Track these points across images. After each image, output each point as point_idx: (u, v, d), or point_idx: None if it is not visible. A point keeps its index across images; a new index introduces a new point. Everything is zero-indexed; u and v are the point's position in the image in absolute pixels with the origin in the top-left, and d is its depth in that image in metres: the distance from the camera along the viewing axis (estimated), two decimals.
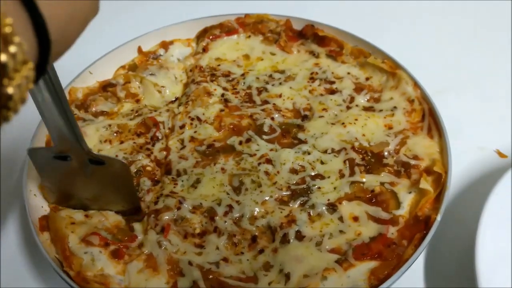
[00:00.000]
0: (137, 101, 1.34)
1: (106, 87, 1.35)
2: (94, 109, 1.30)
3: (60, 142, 0.95)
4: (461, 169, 1.24)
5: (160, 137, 1.23)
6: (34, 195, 1.12)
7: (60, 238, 1.03)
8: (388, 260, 0.97)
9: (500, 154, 1.30)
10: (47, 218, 1.09)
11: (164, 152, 1.20)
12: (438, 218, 0.99)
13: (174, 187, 1.12)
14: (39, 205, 1.11)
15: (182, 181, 1.13)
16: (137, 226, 1.08)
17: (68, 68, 1.38)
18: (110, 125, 1.24)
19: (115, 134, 1.23)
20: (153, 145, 1.22)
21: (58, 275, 0.96)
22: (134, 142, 1.22)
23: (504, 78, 1.49)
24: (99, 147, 1.21)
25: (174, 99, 1.35)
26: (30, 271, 1.13)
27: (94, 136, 1.22)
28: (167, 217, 1.06)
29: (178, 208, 1.07)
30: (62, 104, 0.88)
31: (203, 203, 1.08)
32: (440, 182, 1.07)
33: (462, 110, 1.38)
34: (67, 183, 1.07)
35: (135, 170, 1.16)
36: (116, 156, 1.18)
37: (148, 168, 1.17)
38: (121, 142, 1.22)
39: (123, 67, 1.43)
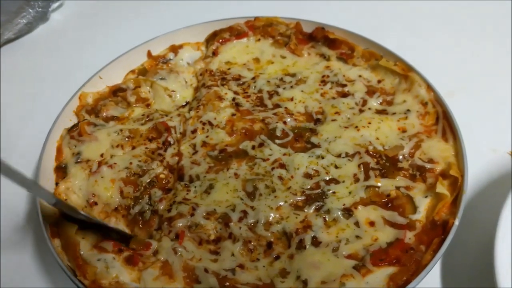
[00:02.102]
0: (148, 105, 1.33)
1: (116, 91, 1.34)
2: (104, 114, 1.29)
3: None
4: (475, 171, 1.22)
5: (172, 142, 1.22)
6: None
7: (71, 245, 1.02)
8: (406, 266, 0.96)
9: None
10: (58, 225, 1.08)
11: (176, 158, 1.19)
12: (456, 222, 0.98)
13: (187, 193, 1.11)
14: (52, 212, 1.10)
15: (195, 187, 1.12)
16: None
17: (78, 73, 1.38)
18: (121, 130, 1.23)
19: (126, 139, 1.22)
20: (165, 150, 1.21)
21: (73, 283, 0.95)
22: (146, 147, 1.21)
23: None
24: (111, 152, 1.20)
25: (184, 103, 1.35)
26: (42, 277, 1.12)
27: (106, 141, 1.21)
28: (180, 224, 1.05)
29: (192, 215, 1.06)
30: None
31: (216, 209, 1.07)
32: (457, 185, 1.06)
33: (473, 111, 1.37)
34: None
35: (148, 180, 1.15)
36: (130, 164, 1.17)
37: (162, 176, 1.16)
38: (133, 148, 1.21)
39: (132, 71, 1.42)
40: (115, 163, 1.17)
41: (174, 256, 1.00)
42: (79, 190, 1.13)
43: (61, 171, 1.19)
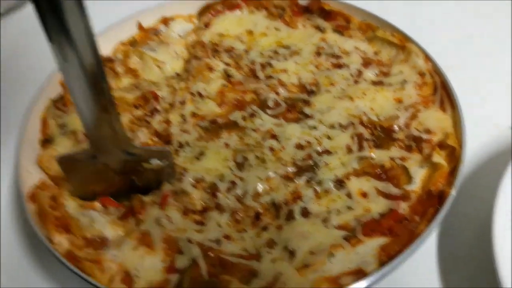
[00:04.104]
0: (136, 76, 1.29)
1: (104, 62, 1.30)
2: None
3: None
4: (475, 145, 1.18)
5: (160, 110, 1.18)
6: (29, 171, 1.08)
7: (43, 216, 0.99)
8: (399, 236, 0.91)
9: None
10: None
11: (164, 124, 1.15)
12: (453, 192, 0.94)
13: (176, 158, 1.08)
14: (33, 182, 1.07)
15: (185, 152, 1.09)
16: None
17: None
18: None
19: None
20: (152, 117, 1.17)
21: (50, 252, 0.92)
22: (132, 115, 1.17)
23: None
24: None
25: (174, 75, 1.30)
26: (26, 254, 1.08)
27: None
28: (166, 188, 1.01)
29: (179, 180, 1.02)
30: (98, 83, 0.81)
31: (205, 176, 1.03)
32: (454, 156, 1.01)
33: (476, 85, 1.31)
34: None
35: None
36: None
37: (150, 142, 1.12)
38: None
39: (122, 43, 1.38)
40: None
41: (156, 227, 0.96)
42: None
43: (48, 143, 1.15)
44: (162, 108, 1.19)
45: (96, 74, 0.80)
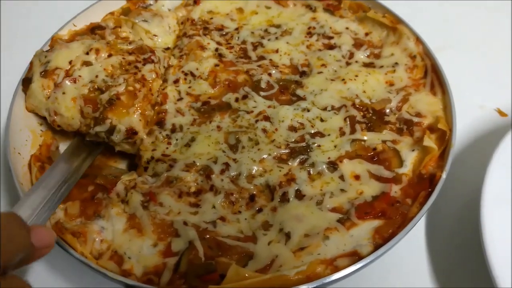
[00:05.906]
0: None
1: (95, 29, 1.26)
2: None
3: None
4: (462, 127, 1.20)
5: (155, 61, 1.15)
6: (18, 153, 1.06)
7: None
8: (392, 219, 0.93)
9: (501, 113, 1.27)
10: None
11: (154, 75, 1.14)
12: (444, 175, 0.96)
13: (167, 147, 1.07)
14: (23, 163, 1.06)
15: (177, 139, 1.07)
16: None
17: (50, 20, 1.30)
18: (98, 40, 1.17)
19: (105, 45, 1.14)
20: (144, 65, 1.13)
21: None
22: (124, 58, 1.13)
23: (506, 37, 1.45)
24: (83, 58, 1.11)
25: (166, 48, 1.28)
26: None
27: (79, 48, 1.13)
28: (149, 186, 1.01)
29: (168, 170, 1.02)
30: None
31: (196, 161, 1.03)
32: (444, 139, 1.03)
33: (461, 68, 1.34)
34: None
35: (108, 98, 1.06)
36: (96, 77, 1.09)
37: (130, 89, 1.07)
38: (110, 55, 1.13)
39: (111, 13, 1.34)
40: (80, 76, 1.09)
41: (142, 211, 0.96)
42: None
43: (26, 83, 1.11)
44: (157, 59, 1.17)
45: None
